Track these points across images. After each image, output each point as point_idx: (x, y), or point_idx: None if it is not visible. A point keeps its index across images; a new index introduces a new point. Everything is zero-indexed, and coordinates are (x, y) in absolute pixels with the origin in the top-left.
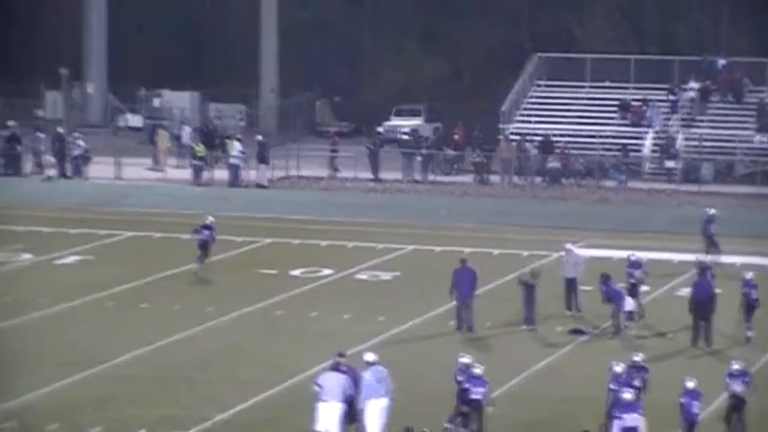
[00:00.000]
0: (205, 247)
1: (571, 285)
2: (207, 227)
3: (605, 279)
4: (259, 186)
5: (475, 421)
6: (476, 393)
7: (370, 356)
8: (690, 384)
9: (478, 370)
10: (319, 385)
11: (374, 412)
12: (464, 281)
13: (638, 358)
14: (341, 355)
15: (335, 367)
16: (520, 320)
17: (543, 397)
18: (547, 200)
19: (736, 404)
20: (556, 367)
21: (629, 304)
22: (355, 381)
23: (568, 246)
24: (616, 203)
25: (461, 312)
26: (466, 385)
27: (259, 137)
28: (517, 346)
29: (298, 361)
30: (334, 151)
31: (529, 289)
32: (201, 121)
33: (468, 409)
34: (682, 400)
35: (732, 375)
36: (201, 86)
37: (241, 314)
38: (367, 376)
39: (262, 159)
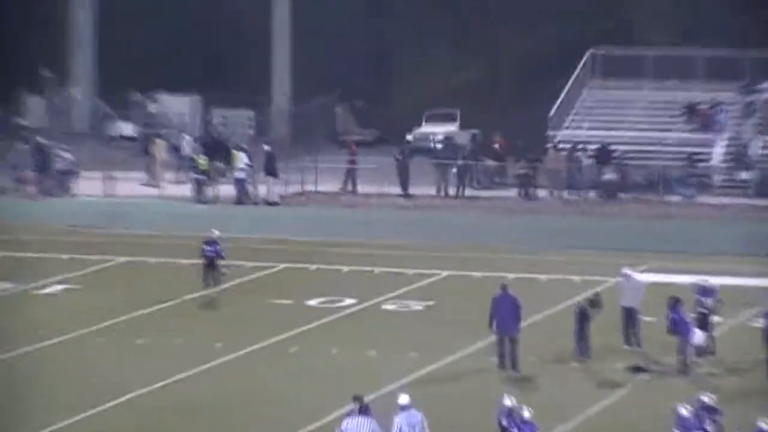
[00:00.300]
0: (212, 265)
1: (629, 315)
2: (212, 243)
3: (674, 304)
4: (269, 203)
5: None
6: None
7: (404, 399)
8: (764, 425)
9: (527, 414)
10: (343, 430)
11: None
12: (505, 311)
13: (709, 398)
14: (357, 398)
15: (359, 411)
16: (570, 356)
17: None
18: (603, 218)
19: None
20: (613, 410)
21: (698, 337)
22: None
23: (627, 270)
24: (683, 220)
25: (503, 347)
26: (514, 431)
27: (267, 147)
28: (567, 385)
29: (317, 403)
30: (351, 162)
31: (584, 318)
32: (203, 129)
33: None
34: None
35: None
36: (203, 89)
37: (252, 350)
38: (400, 420)
39: (270, 171)
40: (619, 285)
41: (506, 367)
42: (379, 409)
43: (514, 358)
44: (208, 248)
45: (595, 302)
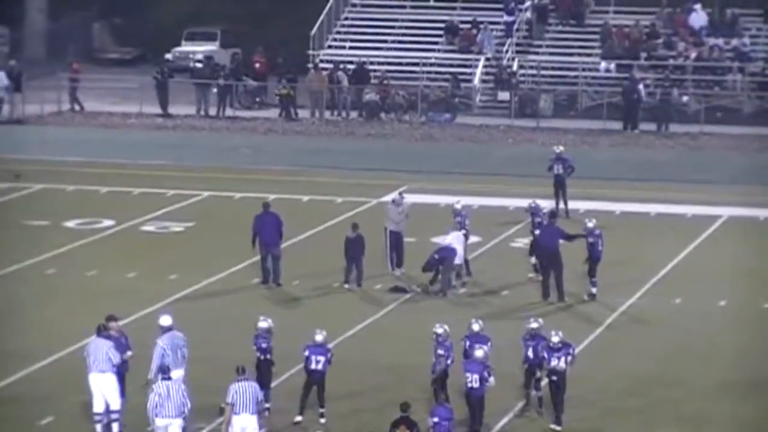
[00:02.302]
0: None
1: (396, 239)
2: None
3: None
4: (16, 121)
5: (313, 393)
6: (317, 363)
7: (165, 320)
8: (475, 326)
9: (319, 337)
10: (86, 355)
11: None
12: (268, 229)
13: (535, 325)
14: (112, 318)
15: (99, 332)
16: (332, 276)
17: (362, 363)
18: (365, 138)
19: (557, 381)
20: (375, 331)
21: (459, 257)
22: (124, 346)
23: (398, 195)
24: (444, 141)
25: (266, 263)
26: (306, 353)
27: (12, 62)
28: (330, 306)
29: (73, 327)
30: (74, 81)
31: (351, 243)
32: None
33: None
34: (466, 344)
35: (552, 349)
36: None
37: (6, 273)
38: (162, 342)
39: (17, 88)
40: (388, 209)
41: (269, 283)
42: (137, 331)
43: (277, 274)
44: None
45: (355, 225)
